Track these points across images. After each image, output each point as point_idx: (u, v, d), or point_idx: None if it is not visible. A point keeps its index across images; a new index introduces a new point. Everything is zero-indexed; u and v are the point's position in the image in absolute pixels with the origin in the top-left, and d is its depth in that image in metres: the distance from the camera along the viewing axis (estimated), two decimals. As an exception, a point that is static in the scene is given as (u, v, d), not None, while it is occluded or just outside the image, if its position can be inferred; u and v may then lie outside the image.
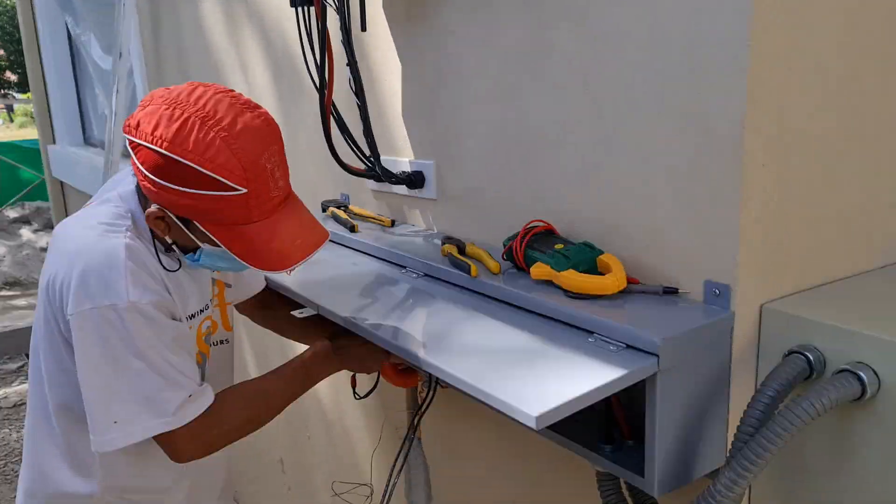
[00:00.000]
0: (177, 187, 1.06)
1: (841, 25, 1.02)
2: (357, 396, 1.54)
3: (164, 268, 1.19)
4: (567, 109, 1.18)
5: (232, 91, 1.13)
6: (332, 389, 2.08)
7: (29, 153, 8.79)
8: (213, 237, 1.11)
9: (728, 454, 0.96)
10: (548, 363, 0.98)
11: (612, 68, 1.09)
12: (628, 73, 1.07)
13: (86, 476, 1.25)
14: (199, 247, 1.16)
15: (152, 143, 1.06)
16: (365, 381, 1.58)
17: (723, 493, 0.90)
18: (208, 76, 2.44)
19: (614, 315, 1.02)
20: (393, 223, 1.62)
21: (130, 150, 1.12)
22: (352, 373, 1.62)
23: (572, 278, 1.07)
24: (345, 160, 1.52)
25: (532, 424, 0.83)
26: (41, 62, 4.56)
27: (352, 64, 1.36)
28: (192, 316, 1.28)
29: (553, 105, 1.20)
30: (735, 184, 0.96)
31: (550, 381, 0.93)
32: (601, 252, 1.13)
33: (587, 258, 1.12)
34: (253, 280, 1.51)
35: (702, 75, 0.97)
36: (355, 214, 1.69)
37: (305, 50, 1.44)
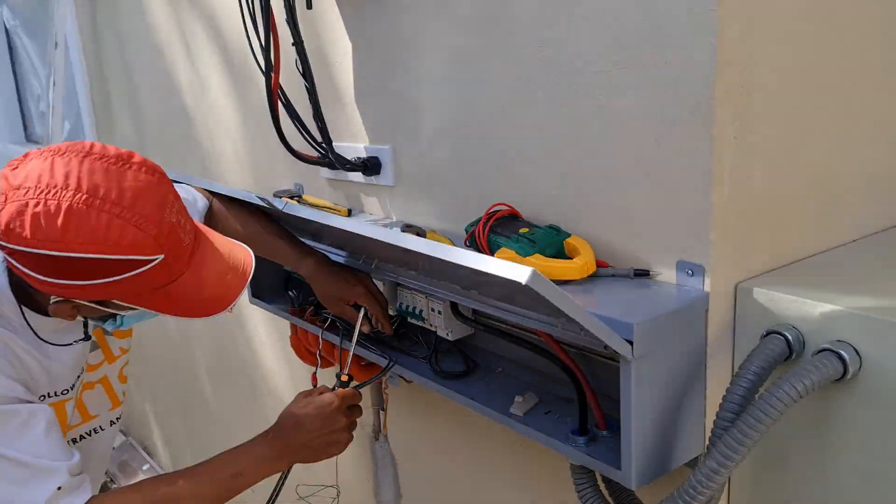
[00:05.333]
0: (85, 282, 0.91)
1: (810, -11, 0.98)
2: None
3: (44, 341, 1.05)
4: (526, 83, 1.11)
5: (92, 147, 0.95)
6: (297, 389, 2.00)
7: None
8: (138, 307, 0.98)
9: (708, 442, 0.92)
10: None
11: (573, 37, 1.03)
12: (591, 42, 1.01)
13: None
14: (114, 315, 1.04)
15: (36, 248, 0.88)
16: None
17: (704, 484, 0.85)
18: (151, 63, 2.32)
19: (584, 301, 0.96)
20: (350, 212, 1.54)
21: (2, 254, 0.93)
22: (312, 371, 1.55)
23: (538, 264, 1.02)
24: (297, 148, 1.44)
25: (523, 280, 0.75)
26: (-23, 56, 4.33)
27: (297, 44, 1.27)
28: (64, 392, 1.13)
29: (511, 80, 1.14)
30: (706, 157, 0.91)
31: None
32: (568, 235, 1.07)
33: (553, 242, 1.06)
34: None
35: (668, 42, 0.91)
36: (310, 205, 1.61)
37: (249, 31, 1.35)
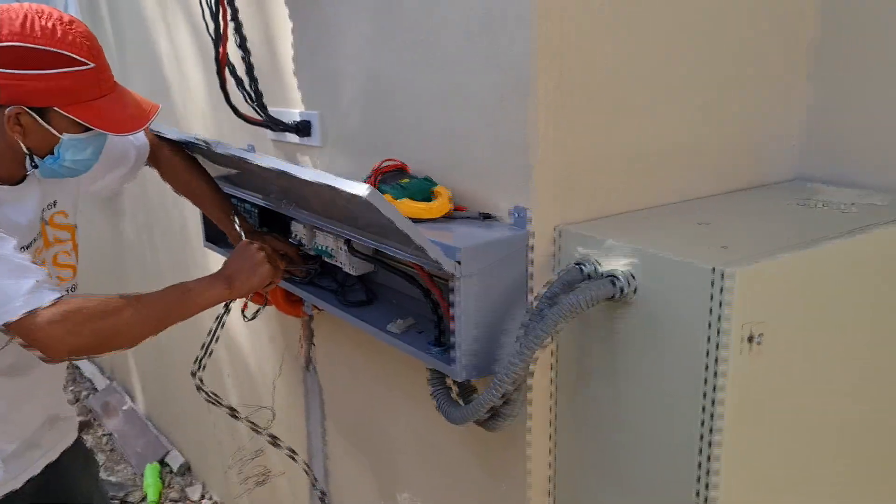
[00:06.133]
0: (34, 71, 1.20)
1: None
2: (245, 318, 1.72)
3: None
4: (413, 62, 1.36)
5: None
6: (248, 330, 2.26)
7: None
8: (74, 118, 1.24)
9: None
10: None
11: (442, 24, 1.27)
12: (456, 28, 1.25)
13: None
14: (53, 148, 1.27)
15: (1, 42, 1.19)
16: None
17: (506, 374, 1.10)
18: (139, 35, 2.57)
19: (438, 234, 1.21)
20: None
21: None
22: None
23: (405, 205, 1.26)
24: (246, 112, 1.69)
25: (362, 194, 1.00)
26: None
27: (234, 19, 1.52)
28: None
29: (403, 59, 1.38)
30: (528, 125, 1.15)
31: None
32: (436, 185, 1.32)
33: (423, 189, 1.31)
34: (116, 161, 1.61)
35: (502, 32, 1.15)
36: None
37: (203, 6, 1.60)
